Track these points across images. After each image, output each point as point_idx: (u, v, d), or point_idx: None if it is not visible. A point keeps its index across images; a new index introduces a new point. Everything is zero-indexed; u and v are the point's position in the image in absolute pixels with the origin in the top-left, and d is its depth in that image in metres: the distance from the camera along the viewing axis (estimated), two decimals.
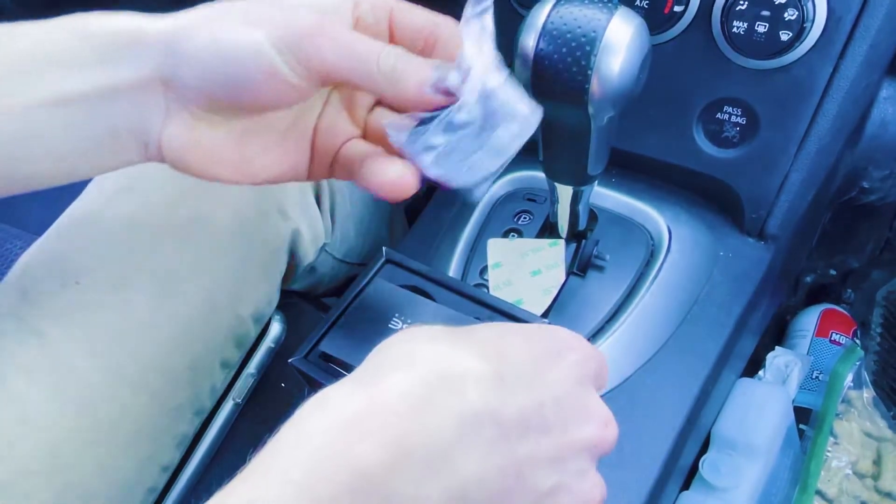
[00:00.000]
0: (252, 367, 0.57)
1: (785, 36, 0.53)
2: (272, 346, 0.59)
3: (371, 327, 0.44)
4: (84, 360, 0.46)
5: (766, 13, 0.53)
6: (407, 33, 0.39)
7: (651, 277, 0.59)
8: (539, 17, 0.41)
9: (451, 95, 0.36)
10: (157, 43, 0.35)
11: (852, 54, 0.55)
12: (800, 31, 0.53)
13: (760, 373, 0.85)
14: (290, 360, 0.45)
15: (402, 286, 0.47)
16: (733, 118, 0.60)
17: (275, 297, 0.59)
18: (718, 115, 0.60)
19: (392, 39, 0.39)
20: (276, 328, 0.59)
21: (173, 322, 0.50)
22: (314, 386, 0.51)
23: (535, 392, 0.31)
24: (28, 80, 0.35)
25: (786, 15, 0.53)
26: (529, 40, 0.42)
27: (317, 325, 0.46)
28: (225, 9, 0.36)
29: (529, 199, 0.66)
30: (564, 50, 0.41)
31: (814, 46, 0.55)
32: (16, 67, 0.35)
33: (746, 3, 0.54)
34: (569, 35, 0.40)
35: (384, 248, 0.49)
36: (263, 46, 0.34)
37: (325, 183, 0.63)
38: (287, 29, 0.34)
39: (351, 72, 0.35)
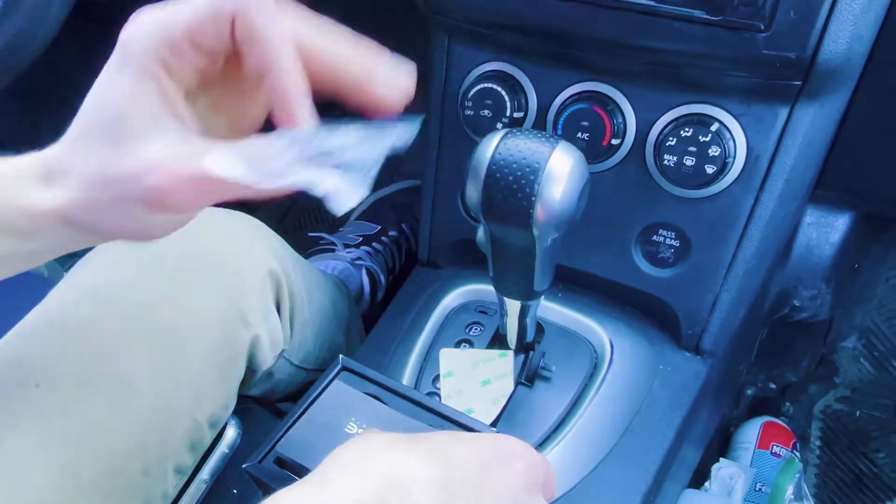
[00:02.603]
0: (205, 472, 0.57)
1: (710, 169, 0.59)
2: (226, 451, 0.59)
3: (327, 432, 0.46)
4: (39, 465, 0.46)
5: (692, 149, 0.59)
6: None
7: (595, 389, 0.62)
8: (489, 148, 0.46)
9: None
10: (62, 226, 0.39)
11: (771, 187, 0.61)
12: (723, 165, 0.59)
13: (707, 484, 0.87)
14: (244, 466, 0.46)
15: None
16: (668, 241, 0.65)
17: (232, 402, 0.60)
18: (654, 238, 0.65)
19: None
20: (231, 433, 0.60)
21: (130, 426, 0.50)
22: (267, 492, 0.51)
23: (482, 498, 0.33)
24: None
25: (710, 151, 0.59)
26: (480, 168, 0.46)
27: (272, 429, 0.48)
28: (95, 194, 0.37)
29: (481, 312, 0.69)
30: (511, 178, 0.45)
31: (736, 179, 0.61)
32: None
33: (675, 139, 0.60)
34: (515, 165, 0.45)
35: (340, 356, 0.51)
36: (145, 216, 0.38)
37: (285, 289, 0.66)
38: (153, 201, 0.37)
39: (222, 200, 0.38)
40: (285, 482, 0.49)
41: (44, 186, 0.38)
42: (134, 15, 0.37)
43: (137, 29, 0.37)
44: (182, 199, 0.36)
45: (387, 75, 0.39)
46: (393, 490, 0.30)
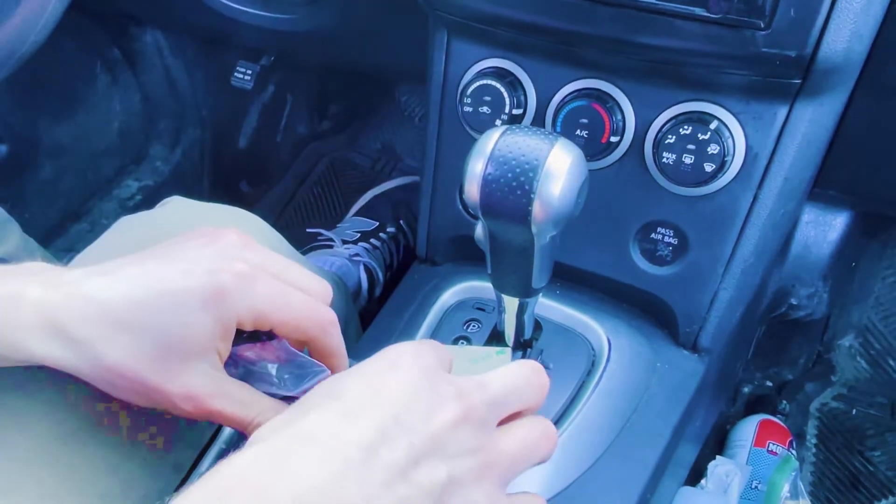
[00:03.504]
0: (203, 469, 0.57)
1: (709, 167, 0.59)
2: (223, 447, 0.59)
3: None
4: (36, 461, 0.46)
5: (691, 146, 0.59)
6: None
7: (592, 386, 0.62)
8: (488, 144, 0.46)
9: None
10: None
11: (769, 185, 0.61)
12: (722, 163, 0.59)
13: (703, 481, 0.87)
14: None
15: None
16: (666, 238, 0.65)
17: None
18: (653, 236, 0.65)
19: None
20: (228, 430, 0.60)
21: (128, 423, 0.50)
22: None
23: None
24: None
25: (709, 149, 0.59)
26: (478, 165, 0.46)
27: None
28: (118, 378, 0.42)
29: (479, 309, 0.69)
30: (510, 175, 0.45)
31: (735, 177, 0.61)
32: None
33: (674, 137, 0.60)
34: (514, 162, 0.45)
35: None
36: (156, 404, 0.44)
37: None
38: (172, 409, 0.43)
39: None
40: None
41: (53, 340, 0.41)
42: (246, 252, 0.45)
43: (241, 293, 0.42)
44: (192, 417, 0.43)
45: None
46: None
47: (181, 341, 0.41)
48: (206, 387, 0.42)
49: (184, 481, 0.57)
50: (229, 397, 0.43)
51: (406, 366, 0.37)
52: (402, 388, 0.35)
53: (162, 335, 0.41)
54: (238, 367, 0.46)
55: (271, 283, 0.43)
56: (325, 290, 0.48)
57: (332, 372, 0.46)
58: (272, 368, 0.46)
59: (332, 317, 0.46)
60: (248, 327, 0.44)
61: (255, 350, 0.46)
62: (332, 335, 0.46)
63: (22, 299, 0.41)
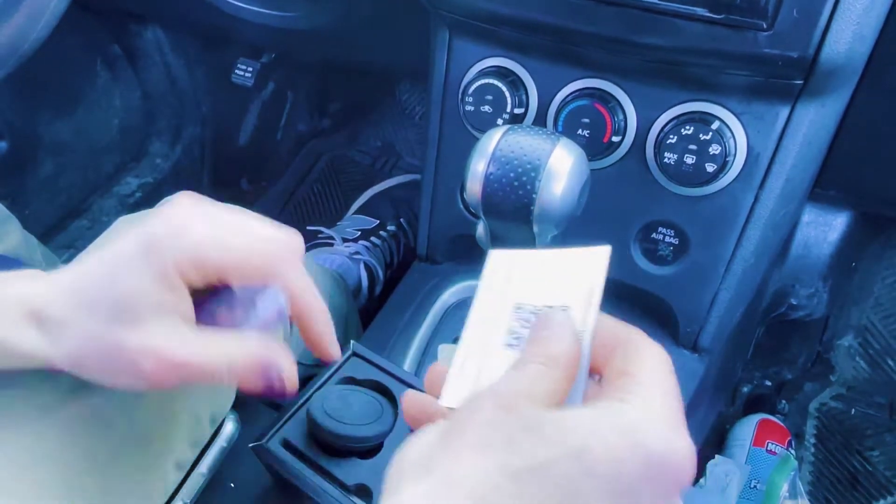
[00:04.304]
0: (203, 466, 0.57)
1: (710, 168, 0.59)
2: (224, 445, 0.59)
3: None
4: (36, 461, 0.46)
5: (693, 147, 0.59)
6: (235, 272, 0.44)
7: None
8: (490, 143, 0.46)
9: (280, 395, 0.44)
10: (43, 364, 0.42)
11: (770, 185, 0.61)
12: (723, 164, 0.59)
13: (701, 480, 0.87)
14: (251, 445, 0.47)
15: (364, 380, 0.50)
16: (667, 238, 0.65)
17: (231, 398, 0.60)
18: (653, 235, 0.65)
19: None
20: (229, 427, 0.60)
21: (131, 423, 0.50)
22: (271, 472, 0.52)
23: None
24: None
25: (710, 149, 0.59)
26: (480, 164, 0.46)
27: (275, 418, 0.48)
28: (85, 355, 0.42)
29: None
30: (512, 174, 0.45)
31: (736, 178, 0.61)
32: None
33: (676, 137, 0.60)
34: (516, 161, 0.45)
35: (352, 342, 0.52)
36: (126, 381, 0.42)
37: None
38: (138, 377, 0.41)
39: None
40: (289, 464, 0.50)
41: (32, 329, 0.42)
42: (177, 206, 0.42)
43: (171, 242, 0.41)
44: (165, 380, 0.41)
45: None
46: None
47: (128, 300, 0.40)
48: (166, 340, 0.41)
49: (184, 480, 0.57)
50: (194, 346, 0.41)
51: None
52: None
53: (111, 299, 0.41)
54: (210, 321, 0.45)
55: (207, 228, 0.42)
56: (283, 238, 0.45)
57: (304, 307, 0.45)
58: (234, 307, 0.44)
59: (278, 250, 0.44)
60: (195, 277, 0.42)
61: (219, 307, 0.45)
62: (285, 272, 0.43)
63: (8, 297, 0.42)
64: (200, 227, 0.42)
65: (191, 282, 0.42)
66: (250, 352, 0.42)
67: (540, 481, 0.27)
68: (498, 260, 0.39)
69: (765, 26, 0.53)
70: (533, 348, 0.32)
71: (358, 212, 1.20)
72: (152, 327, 0.40)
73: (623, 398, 0.29)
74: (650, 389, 0.30)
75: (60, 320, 0.41)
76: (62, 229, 1.25)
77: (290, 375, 0.43)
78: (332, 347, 0.46)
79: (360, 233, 1.12)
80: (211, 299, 0.44)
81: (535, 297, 0.36)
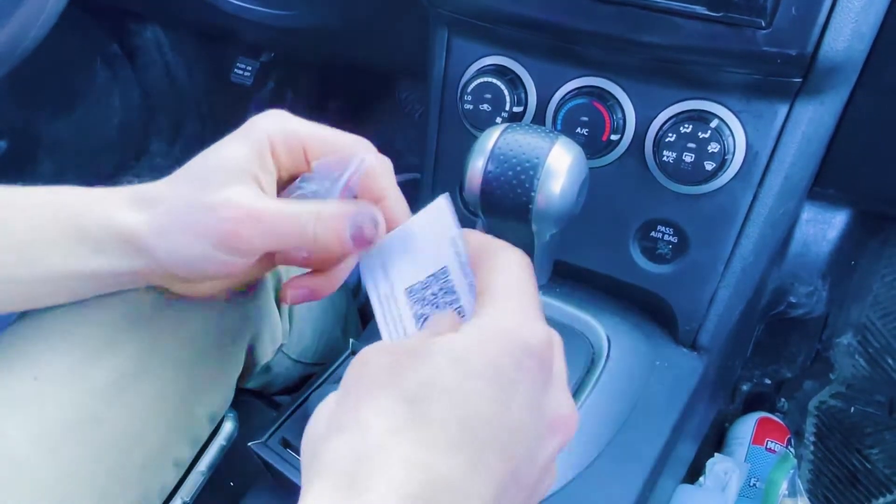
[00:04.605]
0: (203, 465, 0.58)
1: (709, 166, 0.59)
2: (224, 444, 0.59)
3: None
4: (35, 457, 0.46)
5: (691, 145, 0.59)
6: (320, 154, 0.46)
7: (592, 384, 0.62)
8: (488, 142, 0.46)
9: (368, 242, 0.42)
10: (137, 248, 0.45)
11: (769, 184, 0.61)
12: (722, 162, 0.59)
13: (701, 479, 0.87)
14: (249, 444, 0.47)
15: None
16: (666, 237, 0.65)
17: (230, 396, 0.60)
18: (652, 234, 0.65)
19: (307, 164, 0.46)
20: (228, 426, 0.60)
21: (129, 421, 0.50)
22: (271, 471, 0.52)
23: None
24: (31, 260, 0.45)
25: (709, 147, 0.59)
26: (479, 162, 0.46)
27: (275, 415, 0.48)
28: (174, 220, 0.44)
29: None
30: (510, 173, 0.45)
31: (735, 176, 0.61)
32: (17, 247, 0.45)
33: (674, 135, 0.60)
34: (514, 160, 0.45)
35: (351, 341, 0.52)
36: (209, 251, 0.43)
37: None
38: (221, 235, 0.42)
39: (280, 245, 0.45)
40: (290, 463, 0.50)
41: (132, 209, 0.45)
42: (267, 112, 0.46)
43: (267, 120, 0.45)
44: (247, 236, 0.42)
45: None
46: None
47: (219, 168, 0.43)
48: (249, 196, 0.42)
49: (184, 478, 0.57)
50: (278, 212, 0.42)
51: (520, 390, 0.33)
52: (517, 434, 0.32)
53: (204, 169, 0.44)
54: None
55: (299, 120, 0.45)
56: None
57: (383, 205, 0.45)
58: (337, 189, 0.45)
59: (366, 142, 0.47)
60: (285, 158, 0.45)
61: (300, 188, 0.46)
62: (366, 152, 0.45)
63: (121, 189, 0.47)
64: (294, 118, 0.45)
65: (280, 164, 0.45)
66: (336, 204, 0.43)
67: (434, 394, 0.31)
68: (368, 261, 0.43)
69: (763, 24, 0.53)
70: None
71: None
72: (237, 188, 0.42)
73: (485, 305, 0.35)
74: (505, 291, 0.36)
75: (156, 196, 0.44)
76: None
77: (381, 220, 0.43)
78: None
79: None
80: (291, 186, 0.46)
81: (416, 274, 0.40)
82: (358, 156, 0.44)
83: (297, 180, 0.45)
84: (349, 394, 0.33)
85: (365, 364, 0.34)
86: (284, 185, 0.46)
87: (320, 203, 0.43)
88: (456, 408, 0.31)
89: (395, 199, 0.45)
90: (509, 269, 0.37)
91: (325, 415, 0.34)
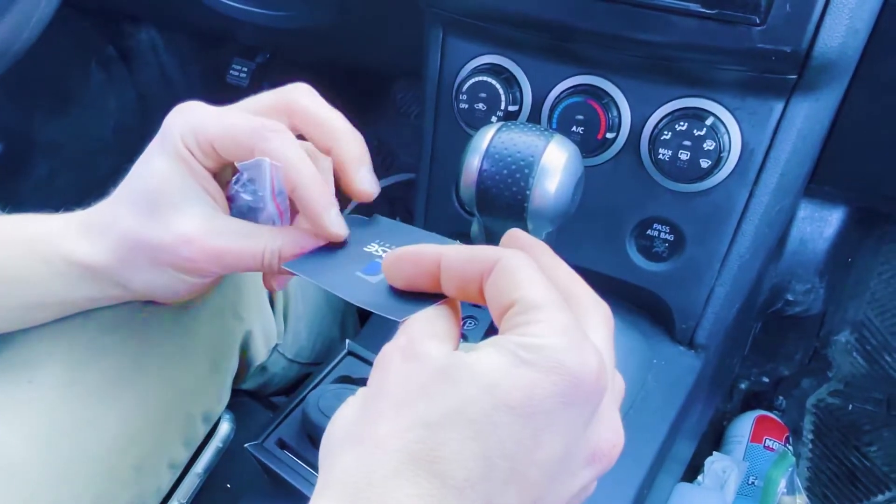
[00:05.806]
0: (199, 467, 0.57)
1: (705, 163, 0.59)
2: (220, 445, 0.59)
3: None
4: (31, 460, 0.46)
5: (687, 143, 0.59)
6: (230, 149, 0.44)
7: None
8: (483, 140, 0.46)
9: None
10: (108, 279, 0.46)
11: (765, 181, 0.61)
12: (718, 159, 0.59)
13: (700, 477, 0.87)
14: (246, 445, 0.47)
15: (360, 379, 0.50)
16: (662, 235, 0.65)
17: (225, 397, 0.60)
18: (649, 232, 0.65)
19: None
20: (224, 427, 0.60)
21: (123, 422, 0.50)
22: (268, 472, 0.52)
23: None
24: (8, 293, 0.47)
25: (705, 145, 0.59)
26: (474, 161, 0.46)
27: (270, 418, 0.48)
28: (136, 254, 0.44)
29: (475, 306, 0.69)
30: (505, 171, 0.45)
31: (731, 174, 0.61)
32: None
33: (670, 133, 0.59)
34: (509, 158, 0.45)
35: (347, 341, 0.52)
36: (177, 278, 0.45)
37: None
38: (184, 268, 0.44)
39: (241, 270, 0.47)
40: (287, 465, 0.50)
41: (86, 239, 0.45)
42: (179, 106, 0.45)
43: (177, 118, 0.44)
44: (209, 269, 0.44)
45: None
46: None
47: (156, 188, 0.43)
48: (201, 227, 0.43)
49: (180, 480, 0.57)
50: (229, 233, 0.43)
51: (557, 423, 0.30)
52: (546, 469, 0.30)
53: (141, 192, 0.44)
54: (239, 211, 0.47)
55: (206, 108, 0.44)
56: (276, 108, 0.46)
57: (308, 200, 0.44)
58: (267, 196, 0.45)
59: (271, 123, 0.44)
60: (201, 156, 0.44)
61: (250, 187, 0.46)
62: (270, 139, 0.43)
63: (68, 217, 0.47)
64: (201, 108, 0.44)
65: (203, 163, 0.44)
66: (293, 234, 0.44)
67: (457, 423, 0.29)
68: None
69: (758, 21, 0.53)
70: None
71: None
72: (186, 216, 0.43)
73: (519, 325, 0.31)
74: (555, 303, 0.31)
75: (105, 225, 0.45)
76: None
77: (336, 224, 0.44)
78: (326, 221, 0.44)
79: None
80: (229, 188, 0.46)
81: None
82: (265, 161, 0.43)
83: (233, 181, 0.46)
84: (371, 399, 0.32)
85: (390, 367, 0.33)
86: (216, 173, 0.46)
87: (277, 234, 0.44)
88: (479, 441, 0.28)
89: (310, 186, 0.44)
90: (539, 282, 0.32)
91: (347, 419, 0.33)
